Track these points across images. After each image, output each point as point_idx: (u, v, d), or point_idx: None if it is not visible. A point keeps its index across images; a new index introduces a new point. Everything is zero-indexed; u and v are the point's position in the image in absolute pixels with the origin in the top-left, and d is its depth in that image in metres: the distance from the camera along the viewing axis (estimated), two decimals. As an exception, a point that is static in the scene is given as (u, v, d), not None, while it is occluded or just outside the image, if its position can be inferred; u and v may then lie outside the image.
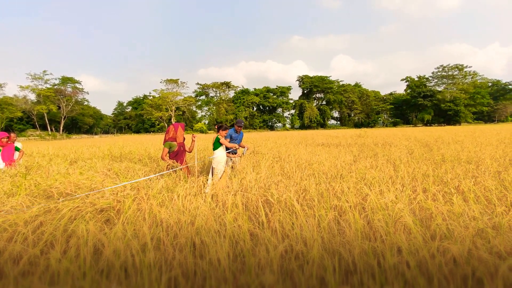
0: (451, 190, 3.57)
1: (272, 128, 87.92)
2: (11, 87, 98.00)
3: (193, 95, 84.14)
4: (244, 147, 6.32)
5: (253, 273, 1.87)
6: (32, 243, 2.30)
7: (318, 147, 11.01)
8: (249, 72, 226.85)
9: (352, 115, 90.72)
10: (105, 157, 8.42)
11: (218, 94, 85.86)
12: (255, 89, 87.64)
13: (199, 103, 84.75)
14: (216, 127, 5.60)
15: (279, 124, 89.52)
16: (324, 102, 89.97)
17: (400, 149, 9.15)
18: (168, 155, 5.07)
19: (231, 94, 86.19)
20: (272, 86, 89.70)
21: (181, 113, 78.20)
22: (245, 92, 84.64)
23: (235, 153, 5.61)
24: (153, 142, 16.72)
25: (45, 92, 64.03)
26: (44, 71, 67.10)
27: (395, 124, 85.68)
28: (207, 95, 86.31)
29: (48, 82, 67.93)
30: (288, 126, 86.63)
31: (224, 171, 5.14)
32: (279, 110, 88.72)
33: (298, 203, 3.11)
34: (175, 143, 5.14)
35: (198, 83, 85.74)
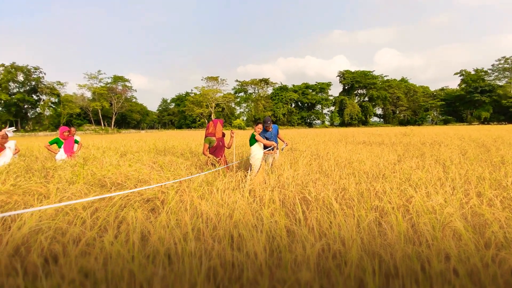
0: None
1: (310, 125, 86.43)
2: (71, 86, 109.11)
3: (232, 92, 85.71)
4: (284, 142, 6.31)
5: (289, 269, 1.88)
6: (89, 227, 2.55)
7: (359, 146, 10.60)
8: (288, 69, 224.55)
9: (397, 112, 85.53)
10: (150, 151, 8.98)
11: (256, 91, 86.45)
12: (293, 85, 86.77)
13: (238, 99, 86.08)
14: (254, 123, 5.68)
15: (318, 121, 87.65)
16: (366, 99, 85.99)
17: (451, 149, 8.45)
18: (208, 150, 5.28)
19: (270, 90, 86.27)
20: (311, 82, 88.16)
21: (220, 109, 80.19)
22: (283, 88, 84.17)
23: (272, 150, 5.63)
24: (194, 138, 17.40)
25: (99, 90, 69.82)
26: (99, 71, 73.16)
27: (446, 122, 78.88)
28: (245, 92, 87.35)
29: (102, 80, 73.95)
30: (327, 123, 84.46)
31: (261, 167, 5.19)
32: (318, 106, 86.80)
33: (336, 202, 3.04)
34: (214, 138, 5.32)
35: (237, 80, 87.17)
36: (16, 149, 6.41)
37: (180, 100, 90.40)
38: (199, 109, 76.71)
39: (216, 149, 5.36)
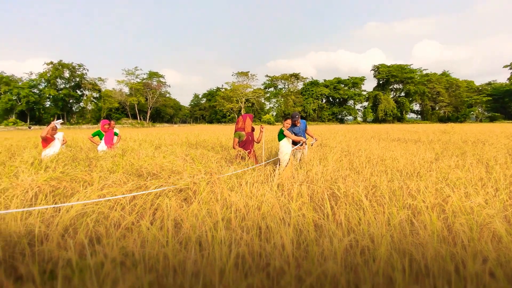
0: None
1: (342, 121, 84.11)
2: (111, 81, 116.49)
3: (262, 87, 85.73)
4: (313, 137, 6.26)
5: (316, 262, 1.90)
6: (128, 212, 2.75)
7: (393, 143, 10.17)
8: (319, 63, 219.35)
9: (437, 108, 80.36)
10: (183, 144, 9.32)
11: (286, 86, 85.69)
12: (324, 80, 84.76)
13: (268, 95, 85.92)
14: (283, 118, 5.67)
15: (350, 117, 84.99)
16: (402, 94, 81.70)
17: (496, 148, 7.83)
18: (237, 144, 5.40)
19: (300, 85, 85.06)
20: (344, 76, 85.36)
21: (250, 104, 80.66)
22: (314, 83, 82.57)
23: (301, 145, 5.60)
24: (224, 132, 17.75)
25: (136, 86, 73.38)
26: (136, 67, 76.82)
27: (492, 119, 72.57)
28: (275, 87, 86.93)
29: (138, 76, 77.55)
30: (359, 119, 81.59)
31: (289, 162, 5.20)
32: (350, 102, 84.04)
33: (366, 199, 2.99)
34: (243, 133, 5.41)
35: (267, 75, 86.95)
36: (64, 140, 6.98)
37: (211, 95, 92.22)
38: (230, 104, 77.74)
39: (245, 143, 5.45)
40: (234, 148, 5.51)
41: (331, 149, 7.09)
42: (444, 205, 2.70)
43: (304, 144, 5.66)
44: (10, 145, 9.27)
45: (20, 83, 62.01)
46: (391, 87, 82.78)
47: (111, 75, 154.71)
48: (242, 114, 5.77)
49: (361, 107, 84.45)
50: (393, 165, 5.02)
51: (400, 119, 78.58)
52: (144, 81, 77.40)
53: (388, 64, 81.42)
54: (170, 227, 2.32)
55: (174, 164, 4.21)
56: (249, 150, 5.42)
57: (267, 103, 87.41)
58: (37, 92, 63.64)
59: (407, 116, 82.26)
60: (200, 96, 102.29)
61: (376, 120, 77.67)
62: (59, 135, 6.65)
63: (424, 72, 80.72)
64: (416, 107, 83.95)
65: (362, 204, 2.74)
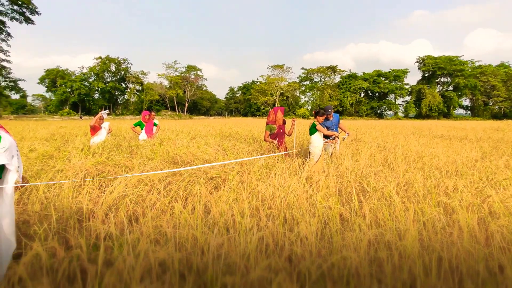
0: None
1: (381, 116, 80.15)
2: (152, 75, 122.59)
3: (297, 80, 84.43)
4: (346, 132, 6.12)
5: (338, 252, 1.91)
6: (163, 196, 2.96)
7: (435, 140, 9.55)
8: (358, 55, 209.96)
9: (490, 104, 73.10)
10: (217, 136, 9.61)
11: (322, 79, 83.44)
12: (363, 73, 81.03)
13: (303, 88, 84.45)
14: (313, 112, 5.60)
15: (390, 112, 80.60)
16: (450, 88, 75.39)
17: (557, 148, 7.01)
18: (269, 136, 5.46)
19: (337, 79, 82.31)
20: (385, 69, 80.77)
21: (284, 98, 79.97)
22: (352, 76, 79.37)
23: (333, 139, 5.51)
24: (258, 125, 17.88)
25: (175, 79, 76.28)
26: (175, 61, 79.76)
27: (558, 117, 64.40)
28: (311, 80, 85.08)
29: (178, 70, 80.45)
30: (400, 114, 77.09)
31: (320, 156, 5.15)
32: (391, 96, 79.55)
33: (398, 195, 2.89)
34: (275, 125, 5.45)
35: (303, 68, 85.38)
36: (109, 129, 7.57)
37: (246, 88, 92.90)
38: (264, 97, 77.73)
39: (276, 136, 5.50)
40: (265, 140, 5.58)
41: (365, 144, 6.87)
42: (483, 205, 2.53)
43: (336, 138, 5.57)
44: (64, 132, 10.25)
45: (73, 77, 67.59)
46: (438, 80, 76.77)
47: (152, 68, 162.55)
48: (274, 107, 5.82)
49: (402, 101, 79.63)
50: (431, 163, 4.75)
51: (446, 115, 72.87)
52: (182, 74, 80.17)
53: (435, 56, 75.48)
54: (200, 212, 2.47)
55: (207, 154, 4.40)
56: (279, 144, 5.46)
57: (302, 96, 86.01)
58: (87, 85, 68.89)
59: (455, 112, 75.95)
60: (235, 89, 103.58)
61: (419, 116, 72.83)
62: (105, 125, 7.22)
63: (477, 63, 73.63)
64: (466, 102, 77.09)
65: (392, 200, 2.67)
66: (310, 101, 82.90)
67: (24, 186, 2.89)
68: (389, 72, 78.70)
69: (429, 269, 1.74)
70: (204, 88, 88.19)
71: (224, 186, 3.08)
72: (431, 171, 4.06)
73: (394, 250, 1.89)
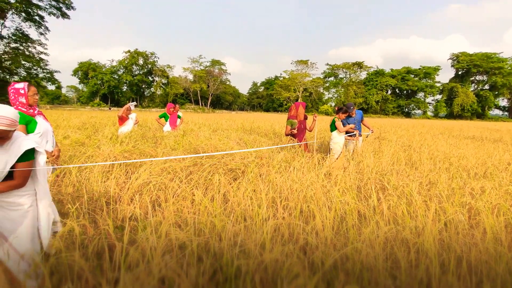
0: None
1: (408, 115, 77.08)
2: (178, 69, 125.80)
3: (321, 76, 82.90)
4: (369, 129, 6.01)
5: (353, 246, 1.92)
6: (184, 184, 3.08)
7: (465, 140, 9.10)
8: (387, 51, 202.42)
9: (531, 105, 68.02)
10: (238, 129, 9.73)
11: (348, 76, 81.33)
12: (391, 70, 78.01)
13: (327, 84, 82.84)
14: (336, 108, 5.54)
15: (418, 111, 77.25)
16: (486, 87, 70.86)
17: None
18: (290, 131, 5.48)
19: (363, 75, 79.88)
20: (414, 66, 77.19)
21: (308, 94, 78.88)
22: (379, 73, 76.69)
23: (354, 135, 5.43)
24: (279, 120, 17.85)
25: (199, 73, 77.49)
26: (200, 55, 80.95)
27: None
28: (336, 77, 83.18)
29: (202, 64, 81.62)
30: (430, 113, 73.65)
31: (341, 153, 5.10)
32: (420, 94, 76.13)
33: (419, 194, 2.83)
34: (295, 120, 5.45)
35: (327, 64, 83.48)
36: (136, 120, 7.89)
37: (269, 83, 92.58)
38: (287, 93, 77.07)
39: (297, 131, 5.50)
40: (286, 135, 5.61)
41: (389, 142, 6.69)
42: (511, 209, 2.42)
43: (357, 135, 5.48)
44: (94, 122, 10.79)
45: (103, 69, 70.50)
46: (472, 78, 72.35)
47: (178, 62, 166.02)
48: (295, 102, 5.82)
49: (432, 100, 75.99)
50: (459, 164, 4.57)
51: (480, 115, 68.73)
52: (207, 68, 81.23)
53: (471, 52, 71.10)
54: (219, 200, 2.56)
55: (228, 146, 4.49)
56: (299, 139, 5.46)
57: (325, 93, 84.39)
58: (117, 77, 71.60)
59: (490, 112, 71.40)
60: (258, 84, 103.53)
61: (451, 116, 69.25)
62: (132, 116, 7.53)
63: (518, 61, 68.49)
64: (503, 102, 72.18)
65: (412, 199, 2.62)
66: (334, 98, 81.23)
67: (58, 168, 3.11)
68: (419, 69, 75.19)
69: (447, 268, 1.71)
70: (228, 83, 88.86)
71: (243, 178, 3.16)
72: (458, 172, 3.91)
73: (411, 247, 1.87)
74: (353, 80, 78.52)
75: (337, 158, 4.99)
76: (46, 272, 1.42)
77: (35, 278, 1.63)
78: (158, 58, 75.37)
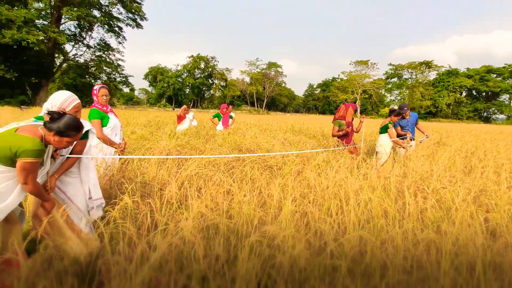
0: None
1: (487, 120, 67.81)
2: (235, 72, 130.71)
3: (383, 77, 77.89)
4: (424, 134, 5.65)
5: (377, 245, 1.96)
6: (225, 177, 3.37)
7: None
8: (463, 48, 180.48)
9: None
10: (287, 130, 9.87)
11: (413, 76, 74.89)
12: (467, 69, 69.48)
13: (389, 86, 77.50)
14: (389, 110, 5.33)
15: (501, 116, 67.36)
16: None
17: None
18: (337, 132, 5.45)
19: (432, 76, 72.73)
20: (497, 64, 67.48)
21: (367, 96, 74.82)
22: (451, 73, 68.94)
23: (405, 139, 5.17)
24: (331, 122, 17.45)
25: (255, 76, 79.51)
26: (257, 58, 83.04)
27: None
28: (399, 77, 77.33)
29: (259, 67, 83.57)
30: (515, 119, 63.73)
31: (389, 157, 4.91)
32: (504, 97, 66.27)
33: (464, 201, 2.66)
34: (344, 121, 5.39)
35: (390, 64, 78.06)
36: (193, 118, 8.63)
37: (326, 85, 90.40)
38: (344, 95, 74.20)
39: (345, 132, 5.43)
40: (333, 136, 5.58)
41: (447, 147, 6.14)
42: None
43: (409, 139, 5.21)
44: (158, 121, 12.01)
45: (169, 73, 77.03)
46: None
47: (236, 65, 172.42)
48: (345, 103, 5.75)
49: (520, 103, 65.64)
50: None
51: None
52: (263, 71, 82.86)
53: None
54: (255, 195, 2.78)
55: (270, 145, 4.70)
56: (347, 141, 5.39)
57: (387, 95, 79.06)
58: (181, 80, 77.55)
59: None
60: (314, 86, 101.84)
61: (544, 122, 58.98)
62: (189, 115, 8.26)
63: None
64: None
65: (452, 204, 2.49)
66: (396, 100, 75.61)
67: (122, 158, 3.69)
68: (504, 67, 65.48)
69: (476, 277, 1.65)
70: (283, 85, 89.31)
71: (279, 174, 3.33)
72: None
73: (433, 248, 1.84)
74: (420, 81, 71.99)
75: (384, 163, 4.83)
76: (106, 235, 1.81)
77: (90, 229, 2.15)
78: (218, 61, 79.52)
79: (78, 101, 2.22)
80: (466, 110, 67.45)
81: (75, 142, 2.12)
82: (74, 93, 2.21)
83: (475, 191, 2.97)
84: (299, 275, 1.30)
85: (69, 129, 1.77)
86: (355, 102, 73.99)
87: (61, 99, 2.09)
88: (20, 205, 2.07)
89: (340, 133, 5.38)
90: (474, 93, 69.81)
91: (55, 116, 1.77)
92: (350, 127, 5.46)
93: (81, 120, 2.19)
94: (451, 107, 67.91)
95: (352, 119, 5.51)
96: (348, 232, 1.99)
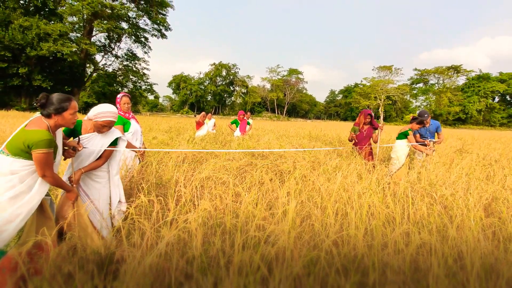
0: None
1: (523, 126, 63.72)
2: (256, 78, 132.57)
3: (408, 82, 75.54)
4: (439, 139, 5.52)
5: (379, 248, 2.02)
6: (237, 180, 3.53)
7: None
8: (496, 51, 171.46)
9: None
10: (304, 137, 9.93)
11: (441, 81, 72.04)
12: (500, 73, 65.88)
13: (415, 91, 74.98)
14: (411, 117, 5.24)
15: (540, 122, 63.17)
16: None
17: None
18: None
19: (461, 81, 69.61)
20: (534, 68, 63.50)
21: (391, 102, 72.74)
22: (482, 77, 65.65)
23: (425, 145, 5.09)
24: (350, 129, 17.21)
25: (276, 82, 79.92)
26: (278, 65, 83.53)
27: None
28: (425, 83, 74.66)
29: (279, 74, 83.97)
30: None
31: (403, 165, 4.86)
32: (542, 102, 62.19)
33: (474, 207, 2.64)
34: (357, 127, 5.40)
35: (415, 69, 75.64)
36: (214, 125, 8.93)
37: (348, 91, 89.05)
38: (366, 101, 72.63)
39: (361, 139, 5.37)
40: (349, 140, 5.64)
41: (467, 155, 5.96)
42: None
43: (430, 148, 5.10)
44: (179, 127, 12.47)
45: (192, 81, 79.21)
46: None
47: (257, 72, 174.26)
48: (364, 109, 5.73)
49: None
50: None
51: None
52: (284, 78, 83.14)
53: None
54: (260, 193, 2.91)
55: (282, 150, 4.82)
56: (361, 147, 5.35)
57: (413, 100, 76.44)
58: (203, 88, 79.46)
59: None
60: (336, 92, 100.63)
61: None
62: (211, 122, 8.56)
63: None
64: None
65: (456, 211, 2.49)
66: (422, 106, 72.88)
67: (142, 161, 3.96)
68: (541, 71, 61.57)
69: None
70: (304, 91, 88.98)
71: (288, 178, 3.45)
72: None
73: (433, 253, 1.88)
74: (448, 86, 69.09)
75: (398, 169, 4.78)
76: (124, 229, 2.02)
77: (107, 230, 2.36)
78: (239, 69, 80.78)
79: (112, 119, 2.32)
80: (499, 116, 63.88)
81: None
82: (103, 101, 2.45)
83: (486, 198, 2.93)
84: (286, 265, 1.41)
85: (61, 102, 1.91)
86: (378, 109, 72.09)
87: (99, 110, 2.27)
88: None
89: (348, 138, 5.44)
90: (508, 99, 66.01)
91: (42, 101, 1.89)
92: (365, 133, 5.42)
93: (112, 128, 2.43)
94: (482, 113, 64.56)
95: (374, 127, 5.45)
96: (345, 230, 2.08)
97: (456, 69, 68.56)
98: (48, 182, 1.94)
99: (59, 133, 2.07)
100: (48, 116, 1.90)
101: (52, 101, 1.90)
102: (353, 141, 5.50)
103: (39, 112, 1.98)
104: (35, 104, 1.94)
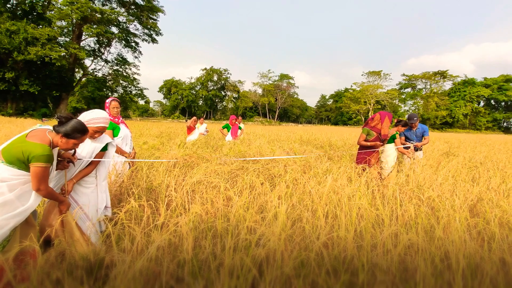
0: None
1: (508, 130, 65.60)
2: (248, 83, 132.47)
3: (396, 87, 77.05)
4: (421, 143, 5.62)
5: (368, 249, 2.05)
6: (228, 184, 3.54)
7: None
8: (480, 57, 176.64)
9: None
10: (295, 141, 10.00)
11: (428, 86, 73.73)
12: (485, 78, 67.88)
13: (403, 96, 76.48)
14: (396, 121, 5.30)
15: (523, 126, 65.16)
16: None
17: None
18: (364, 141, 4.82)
19: (447, 85, 71.41)
20: (516, 73, 65.67)
21: (380, 107, 73.98)
22: (468, 83, 67.51)
23: (409, 148, 5.19)
24: (341, 133, 17.43)
25: (268, 87, 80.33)
26: (269, 70, 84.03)
27: None
28: (413, 88, 76.30)
29: (271, 79, 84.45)
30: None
31: (393, 167, 4.94)
32: (525, 106, 64.23)
33: (460, 208, 2.71)
34: (374, 132, 4.77)
35: (403, 74, 77.27)
36: (206, 130, 8.90)
37: (338, 96, 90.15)
38: (356, 105, 73.74)
39: (374, 146, 4.78)
40: (358, 144, 4.97)
41: (453, 158, 6.11)
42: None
43: (412, 149, 5.22)
44: (170, 132, 12.40)
45: (183, 86, 78.92)
46: None
47: (248, 77, 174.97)
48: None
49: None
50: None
51: None
52: (275, 83, 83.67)
53: None
54: (256, 200, 2.93)
55: (274, 154, 4.85)
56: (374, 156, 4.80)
57: (401, 105, 77.90)
58: (194, 92, 79.22)
59: None
60: (327, 97, 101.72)
61: None
62: (202, 127, 8.54)
63: None
64: None
65: (443, 212, 2.56)
66: (411, 111, 74.34)
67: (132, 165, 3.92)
68: (523, 76, 63.77)
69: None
70: (295, 96, 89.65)
71: (278, 182, 3.47)
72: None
73: (420, 253, 1.92)
74: (435, 91, 70.76)
75: (388, 174, 4.85)
76: (114, 234, 2.00)
77: (96, 236, 2.33)
78: (231, 74, 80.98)
79: (104, 125, 2.31)
80: (485, 120, 65.61)
81: (88, 147, 2.34)
82: (93, 106, 2.44)
83: (471, 199, 3.01)
84: (277, 266, 1.43)
85: (75, 132, 1.95)
86: (368, 113, 73.23)
87: (91, 116, 2.25)
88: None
89: (368, 143, 4.71)
90: (493, 103, 67.96)
91: (63, 120, 1.95)
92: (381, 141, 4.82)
93: (103, 134, 2.42)
94: (468, 117, 66.22)
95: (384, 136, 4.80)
96: (336, 232, 2.10)
97: (443, 75, 70.36)
98: (41, 195, 1.93)
99: (55, 149, 2.07)
100: (57, 132, 1.93)
101: (69, 125, 1.94)
102: (370, 146, 4.78)
103: (39, 124, 2.01)
104: (56, 118, 1.98)
